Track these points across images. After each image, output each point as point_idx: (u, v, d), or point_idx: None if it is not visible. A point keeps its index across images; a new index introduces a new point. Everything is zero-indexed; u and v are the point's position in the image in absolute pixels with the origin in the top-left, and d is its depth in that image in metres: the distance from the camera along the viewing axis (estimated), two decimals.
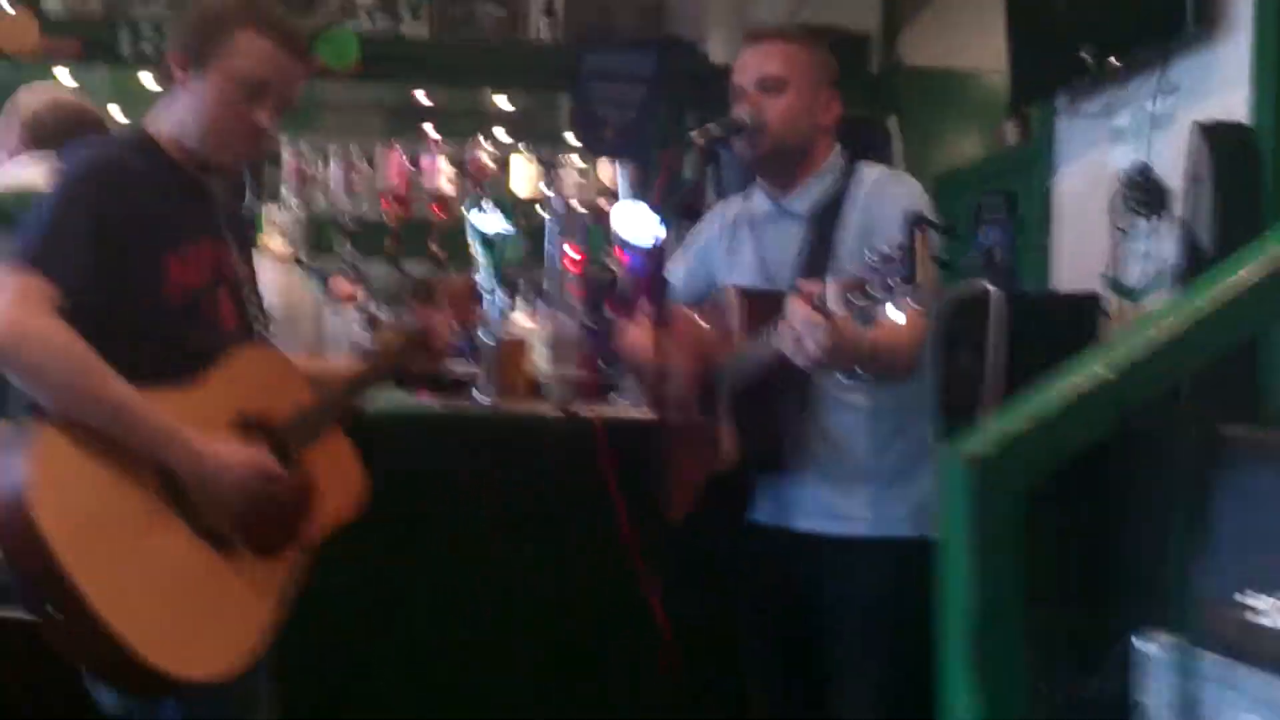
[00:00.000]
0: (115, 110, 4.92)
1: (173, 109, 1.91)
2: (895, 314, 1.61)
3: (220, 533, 1.78)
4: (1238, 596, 1.93)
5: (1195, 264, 2.69)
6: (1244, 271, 1.28)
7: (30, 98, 2.58)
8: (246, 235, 2.10)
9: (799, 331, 1.75)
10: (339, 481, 1.98)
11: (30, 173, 2.37)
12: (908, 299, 1.58)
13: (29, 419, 1.72)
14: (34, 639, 1.67)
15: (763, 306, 2.02)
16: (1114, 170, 3.19)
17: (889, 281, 1.60)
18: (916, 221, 1.57)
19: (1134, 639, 2.00)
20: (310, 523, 1.92)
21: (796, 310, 1.76)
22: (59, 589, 1.59)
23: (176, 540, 1.74)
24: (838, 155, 2.25)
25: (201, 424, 1.79)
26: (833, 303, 1.70)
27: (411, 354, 2.17)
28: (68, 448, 1.68)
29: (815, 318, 1.73)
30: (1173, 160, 2.97)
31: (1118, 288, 3.13)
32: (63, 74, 4.49)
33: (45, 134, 2.49)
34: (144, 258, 1.80)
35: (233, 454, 1.78)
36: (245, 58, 1.87)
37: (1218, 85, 2.85)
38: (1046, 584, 2.38)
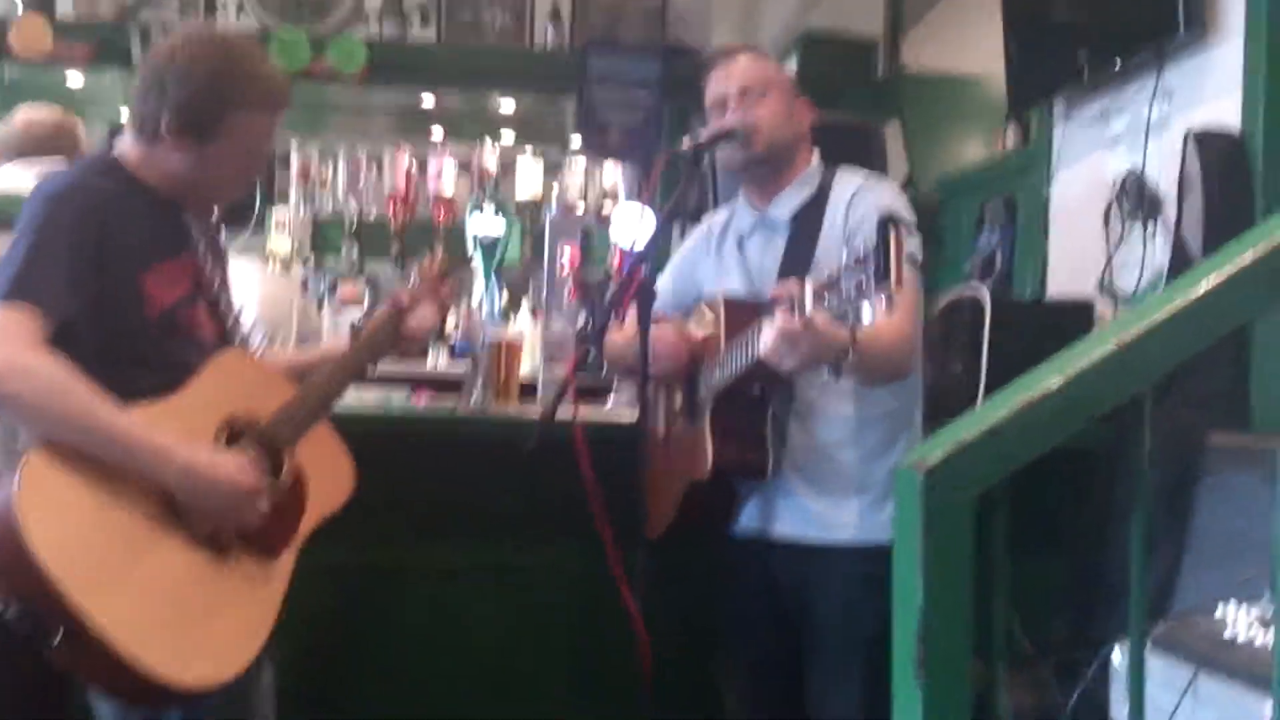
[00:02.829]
0: (126, 113, 4.96)
1: (158, 159, 1.92)
2: (869, 313, 1.63)
3: (219, 539, 1.80)
4: (1217, 610, 1.94)
5: (1185, 269, 2.70)
6: (1196, 283, 1.30)
7: (15, 118, 2.74)
8: (221, 249, 2.11)
9: (776, 334, 1.78)
10: (328, 473, 2.00)
11: (19, 177, 2.47)
12: (881, 298, 1.59)
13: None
14: (28, 650, 1.67)
15: (746, 313, 2.05)
16: (1109, 176, 3.19)
17: (862, 282, 1.61)
18: (889, 221, 1.59)
19: (1111, 650, 2.01)
20: (304, 518, 1.94)
21: (775, 313, 1.79)
22: (59, 610, 1.61)
23: (175, 550, 1.76)
24: (818, 162, 2.29)
25: (189, 432, 1.81)
26: (809, 304, 1.72)
27: (390, 336, 2.16)
28: (56, 470, 1.69)
29: (790, 320, 1.75)
30: (1167, 166, 2.98)
31: (1111, 292, 3.13)
32: (75, 77, 4.53)
33: (26, 145, 2.63)
34: (121, 276, 1.83)
35: (221, 467, 1.79)
36: (247, 135, 1.93)
37: (1211, 91, 2.85)
38: (1030, 596, 2.39)
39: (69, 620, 1.61)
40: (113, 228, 1.83)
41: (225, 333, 2.00)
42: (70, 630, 1.61)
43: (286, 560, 1.90)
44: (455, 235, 4.31)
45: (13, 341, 1.69)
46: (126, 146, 1.96)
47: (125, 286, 1.83)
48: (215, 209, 2.18)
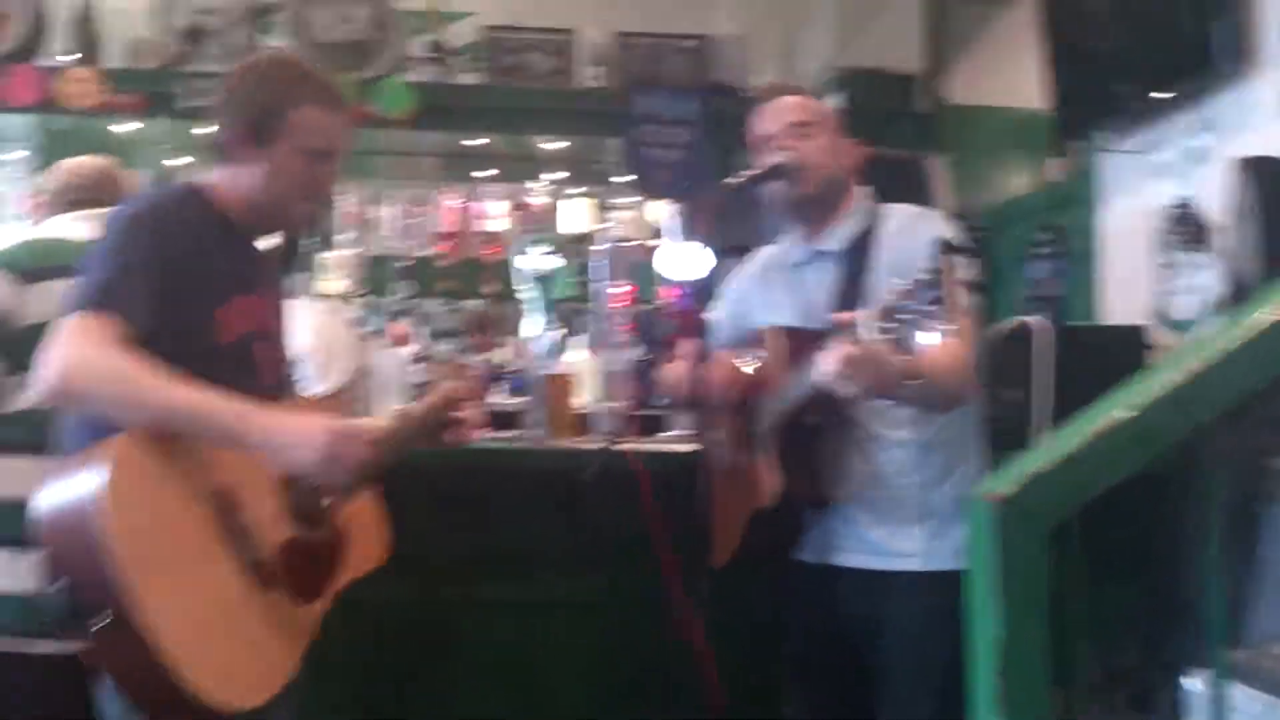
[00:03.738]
0: (173, 162, 5.05)
1: (232, 178, 1.97)
2: (928, 337, 1.65)
3: (267, 570, 1.82)
4: None
5: (1239, 297, 2.69)
6: (1265, 311, 1.31)
7: (59, 169, 2.74)
8: (284, 297, 2.16)
9: (837, 359, 1.80)
10: (367, 537, 2.04)
11: (67, 227, 2.51)
12: (939, 322, 1.61)
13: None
14: (37, 673, 1.69)
15: (802, 343, 2.07)
16: (1156, 205, 3.20)
17: (921, 306, 1.63)
18: (945, 246, 1.60)
19: (1181, 678, 1.99)
20: (341, 572, 1.98)
21: (833, 341, 1.82)
22: (115, 595, 1.61)
23: (228, 571, 1.78)
24: (865, 196, 2.31)
25: (250, 471, 1.82)
26: (866, 331, 1.74)
27: (436, 424, 2.20)
28: (143, 458, 1.71)
29: (850, 347, 1.77)
30: (1213, 195, 2.98)
31: (1164, 321, 3.13)
32: (122, 127, 4.60)
33: (71, 194, 2.63)
34: (197, 302, 1.87)
35: (310, 422, 1.80)
36: (309, 133, 1.95)
37: (1255, 120, 2.86)
38: (1101, 623, 2.37)
39: (121, 608, 1.61)
40: (192, 252, 1.87)
41: (282, 376, 2.04)
42: (119, 618, 1.62)
43: (315, 610, 1.92)
44: (504, 272, 4.35)
45: (79, 344, 1.72)
46: (208, 175, 2.01)
47: (200, 312, 1.87)
48: (284, 238, 2.19)
